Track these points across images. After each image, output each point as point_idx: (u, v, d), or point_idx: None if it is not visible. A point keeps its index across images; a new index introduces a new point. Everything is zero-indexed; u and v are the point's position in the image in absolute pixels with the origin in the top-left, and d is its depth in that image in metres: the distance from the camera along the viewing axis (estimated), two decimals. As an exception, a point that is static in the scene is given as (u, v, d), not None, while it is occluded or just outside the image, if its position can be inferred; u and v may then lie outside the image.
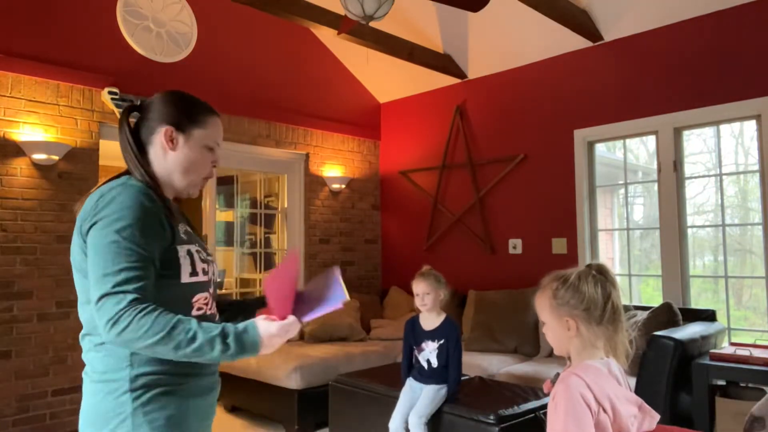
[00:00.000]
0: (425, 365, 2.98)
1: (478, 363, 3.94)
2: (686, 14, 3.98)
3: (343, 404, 3.44)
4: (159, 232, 1.29)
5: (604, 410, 1.27)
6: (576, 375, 1.30)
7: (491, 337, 4.31)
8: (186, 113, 1.42)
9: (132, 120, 1.45)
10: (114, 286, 1.18)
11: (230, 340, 1.20)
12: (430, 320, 3.03)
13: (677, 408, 3.15)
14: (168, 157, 1.40)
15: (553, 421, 1.30)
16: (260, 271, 5.80)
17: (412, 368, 3.07)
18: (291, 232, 5.47)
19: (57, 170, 3.82)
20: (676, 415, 3.12)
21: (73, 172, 3.88)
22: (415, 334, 3.05)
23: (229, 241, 6.33)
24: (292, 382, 3.83)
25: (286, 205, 5.53)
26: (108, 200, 1.26)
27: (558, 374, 1.39)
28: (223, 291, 6.05)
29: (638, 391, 3.16)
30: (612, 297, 1.37)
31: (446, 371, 2.95)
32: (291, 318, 1.29)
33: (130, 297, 1.18)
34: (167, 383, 1.27)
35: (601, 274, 1.41)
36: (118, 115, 4.08)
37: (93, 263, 1.22)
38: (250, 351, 1.22)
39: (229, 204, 6.04)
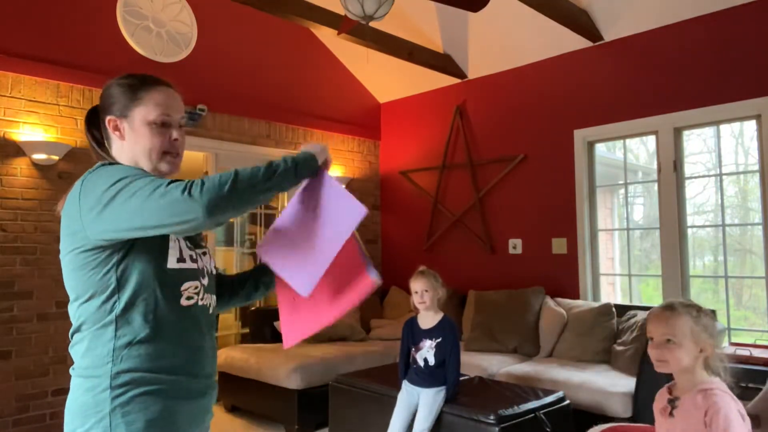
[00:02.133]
0: (422, 364, 2.95)
1: (478, 363, 3.94)
2: (686, 14, 3.98)
3: (343, 404, 3.44)
4: None
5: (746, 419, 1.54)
6: (723, 391, 1.55)
7: (491, 337, 4.31)
8: (121, 96, 1.32)
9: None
10: (157, 186, 1.12)
11: (283, 158, 1.25)
12: (428, 319, 3.02)
13: (677, 408, 3.14)
14: (124, 146, 1.33)
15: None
16: (260, 271, 5.80)
17: (408, 369, 3.05)
18: (291, 232, 5.46)
19: (57, 170, 3.82)
20: (676, 415, 3.12)
21: (73, 172, 3.88)
22: (413, 334, 3.04)
23: (229, 241, 6.33)
24: (292, 382, 3.83)
25: (286, 205, 5.52)
26: (96, 174, 1.23)
27: (673, 399, 1.64)
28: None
29: (638, 390, 3.16)
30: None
31: (442, 371, 2.93)
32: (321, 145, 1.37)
33: (182, 184, 1.12)
34: (151, 382, 1.19)
35: (712, 313, 1.72)
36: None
37: (123, 210, 1.14)
38: (305, 160, 1.29)
39: (229, 204, 6.03)
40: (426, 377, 2.94)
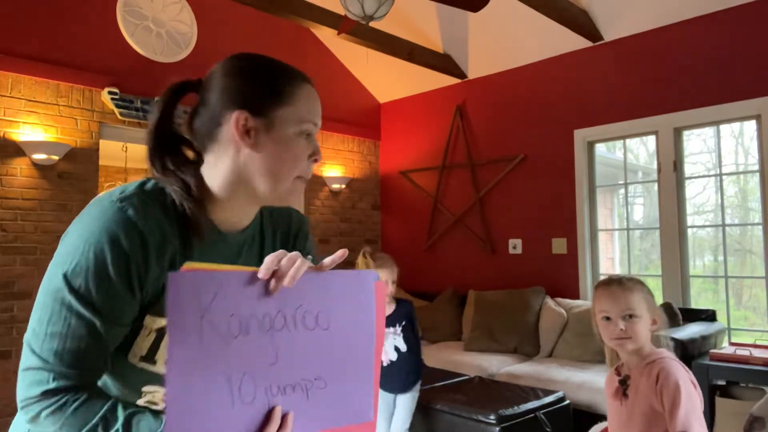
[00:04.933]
0: (394, 356, 2.70)
1: (478, 363, 3.94)
2: (686, 14, 3.98)
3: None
4: (129, 287, 0.87)
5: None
6: (672, 359, 1.53)
7: (491, 337, 4.31)
8: (263, 85, 0.95)
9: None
10: (40, 359, 0.84)
11: None
12: (386, 308, 2.74)
13: (677, 408, 3.15)
14: (242, 156, 0.93)
15: (670, 405, 1.45)
16: (260, 271, 5.79)
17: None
18: (291, 232, 5.46)
19: (57, 170, 3.82)
20: (676, 415, 3.12)
21: (73, 172, 3.88)
22: None
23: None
24: (292, 382, 3.82)
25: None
26: (79, 224, 0.89)
27: (624, 379, 1.60)
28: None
29: (638, 391, 3.16)
30: None
31: (415, 357, 2.75)
32: None
33: (54, 382, 0.84)
34: None
35: None
36: (119, 116, 4.10)
37: (33, 310, 0.88)
38: None
39: (229, 204, 6.02)
40: (401, 372, 2.70)
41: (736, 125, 5.25)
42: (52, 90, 3.86)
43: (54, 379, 0.84)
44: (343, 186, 5.66)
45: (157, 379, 0.93)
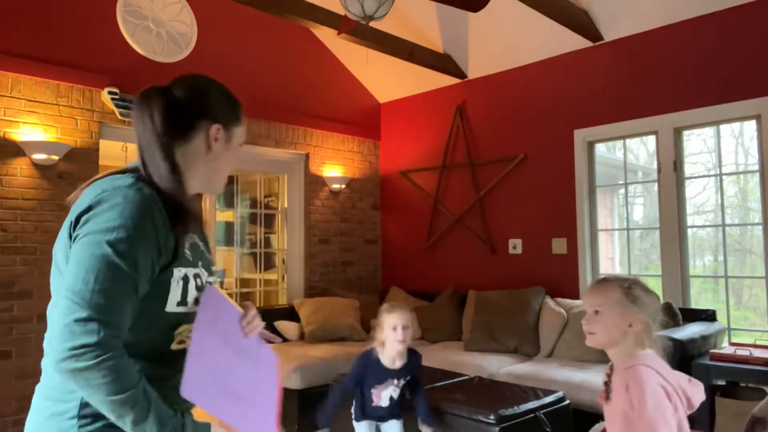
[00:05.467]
0: (386, 404, 2.65)
1: (478, 363, 3.94)
2: (686, 14, 3.98)
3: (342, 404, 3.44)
4: (158, 250, 1.11)
5: (677, 393, 1.46)
6: (646, 366, 1.46)
7: (491, 337, 4.31)
8: (231, 109, 1.29)
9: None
10: (90, 310, 1.00)
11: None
12: (396, 358, 2.62)
13: (677, 408, 3.15)
14: (210, 156, 1.26)
15: (635, 411, 1.41)
16: (260, 271, 5.80)
17: (365, 410, 2.68)
18: (291, 232, 5.47)
19: (57, 170, 3.82)
20: (676, 415, 3.12)
21: (73, 172, 3.88)
22: (376, 373, 2.61)
23: (229, 241, 6.33)
24: (293, 382, 3.83)
25: (286, 205, 5.53)
26: (110, 202, 1.08)
27: (608, 381, 1.57)
28: (223, 291, 6.04)
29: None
30: (660, 308, 1.61)
31: (403, 403, 2.71)
32: None
33: (104, 332, 0.99)
34: None
35: (653, 291, 1.60)
36: (119, 116, 4.10)
37: (72, 273, 1.04)
38: None
39: (229, 204, 6.03)
40: (388, 413, 2.68)
41: (736, 125, 5.25)
42: (52, 90, 3.86)
43: (103, 331, 0.99)
44: (343, 186, 5.66)
45: (187, 319, 1.18)
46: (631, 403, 1.42)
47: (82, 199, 1.14)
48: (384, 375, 2.62)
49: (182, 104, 1.23)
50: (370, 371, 2.62)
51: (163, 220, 1.12)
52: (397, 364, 2.62)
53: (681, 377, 1.53)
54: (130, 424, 1.02)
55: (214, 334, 1.19)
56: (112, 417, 1.03)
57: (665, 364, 1.52)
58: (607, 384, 1.57)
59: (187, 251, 1.19)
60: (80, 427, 1.07)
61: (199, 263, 1.23)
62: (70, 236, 1.11)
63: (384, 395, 2.65)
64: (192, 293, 1.18)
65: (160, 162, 1.17)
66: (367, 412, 2.68)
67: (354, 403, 2.72)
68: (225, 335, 1.22)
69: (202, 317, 1.17)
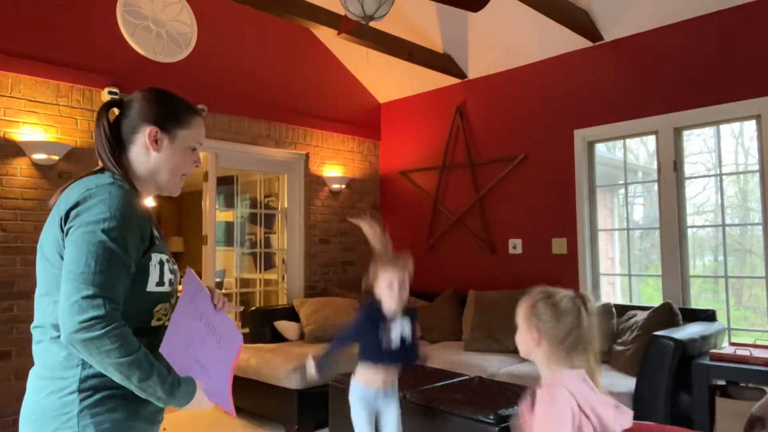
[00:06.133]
0: (398, 343, 2.58)
1: (478, 363, 3.94)
2: (686, 14, 3.98)
3: (343, 404, 3.44)
4: (140, 237, 1.28)
5: (587, 416, 1.38)
6: (559, 385, 1.42)
7: (491, 337, 4.31)
8: (171, 113, 1.41)
9: (112, 116, 1.44)
10: (95, 288, 1.16)
11: (176, 390, 1.24)
12: (393, 309, 2.62)
13: (677, 408, 3.15)
14: (151, 157, 1.39)
15: (538, 425, 1.44)
16: (260, 271, 5.80)
17: (370, 351, 2.61)
18: (291, 232, 5.47)
19: (57, 170, 3.82)
20: (676, 415, 3.12)
21: (73, 172, 3.88)
22: (381, 318, 2.61)
23: (229, 241, 6.33)
24: (292, 382, 3.83)
25: (286, 205, 5.52)
26: (97, 197, 1.24)
27: (533, 393, 1.52)
28: (223, 291, 6.05)
29: (638, 391, 3.16)
30: (582, 327, 1.49)
31: (415, 349, 2.64)
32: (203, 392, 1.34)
33: (109, 306, 1.16)
34: (118, 386, 1.22)
35: (583, 305, 1.52)
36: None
37: (73, 259, 1.18)
38: (181, 400, 1.26)
39: (229, 204, 6.03)
40: (398, 355, 2.58)
41: (736, 125, 5.25)
42: (52, 90, 3.86)
43: (107, 305, 1.15)
44: (343, 186, 5.66)
45: (164, 298, 1.34)
46: (540, 420, 1.43)
47: (68, 196, 1.27)
48: (389, 317, 2.58)
49: (129, 113, 1.41)
50: (375, 318, 2.58)
51: (142, 211, 1.30)
52: (395, 312, 2.60)
53: (605, 403, 1.44)
54: (136, 382, 1.17)
55: (192, 308, 1.37)
56: (119, 378, 1.17)
57: (587, 386, 1.44)
58: (533, 395, 1.54)
59: (157, 242, 1.35)
60: (81, 400, 1.21)
61: (167, 252, 1.39)
62: (62, 229, 1.24)
63: (393, 336, 2.58)
64: (167, 275, 1.34)
65: (110, 166, 1.37)
66: (377, 352, 2.59)
67: (361, 348, 2.66)
68: (201, 311, 1.40)
69: (185, 294, 1.36)
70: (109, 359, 1.15)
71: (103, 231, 1.20)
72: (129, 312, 1.24)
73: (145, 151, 1.39)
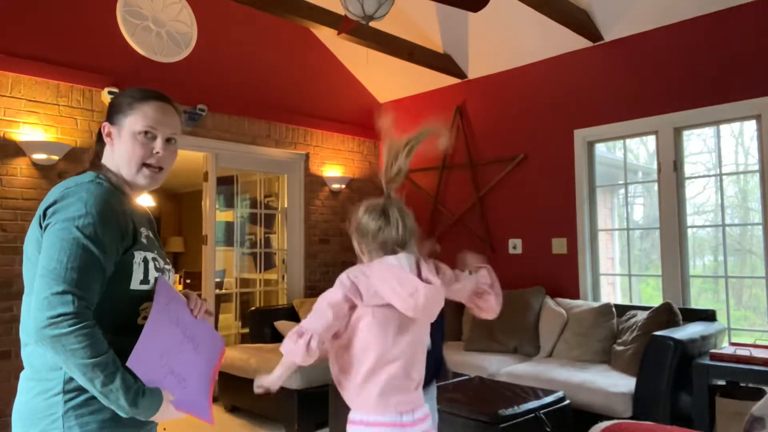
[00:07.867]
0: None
1: (478, 363, 3.94)
2: (686, 14, 3.98)
3: (343, 404, 3.44)
4: (120, 234, 1.27)
5: (360, 296, 1.71)
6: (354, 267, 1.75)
7: (491, 337, 4.31)
8: (116, 105, 1.41)
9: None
10: (65, 285, 1.15)
11: (140, 400, 1.19)
12: None
13: (677, 408, 3.15)
14: (113, 153, 1.40)
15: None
16: (260, 271, 5.80)
17: None
18: (291, 232, 5.47)
19: (57, 170, 3.82)
20: (676, 415, 3.12)
21: (73, 172, 3.88)
22: None
23: (229, 241, 6.32)
24: (292, 382, 3.83)
25: (286, 205, 5.52)
26: (74, 195, 1.24)
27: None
28: (223, 291, 6.05)
29: (638, 391, 3.16)
30: (383, 230, 1.87)
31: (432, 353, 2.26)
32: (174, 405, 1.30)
33: (78, 303, 1.14)
34: None
35: (383, 215, 1.90)
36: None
37: (46, 255, 1.18)
38: (145, 411, 1.22)
39: (229, 204, 6.03)
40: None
41: (736, 125, 5.25)
42: (52, 90, 3.86)
43: (77, 302, 1.14)
44: (343, 186, 5.66)
45: (150, 296, 1.32)
46: None
47: (48, 195, 1.28)
48: None
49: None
50: None
51: (122, 209, 1.30)
52: None
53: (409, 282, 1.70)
54: (99, 386, 1.15)
55: (166, 317, 1.33)
56: (83, 381, 1.15)
57: (394, 268, 1.75)
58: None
59: (143, 240, 1.35)
60: (66, 401, 1.21)
61: (155, 251, 1.38)
62: (41, 226, 1.25)
63: None
64: (152, 273, 1.33)
65: (92, 167, 1.42)
66: None
67: None
68: (176, 318, 1.36)
69: (157, 303, 1.31)
70: (74, 359, 1.13)
71: (78, 228, 1.19)
72: (113, 309, 1.24)
73: (109, 149, 1.42)
